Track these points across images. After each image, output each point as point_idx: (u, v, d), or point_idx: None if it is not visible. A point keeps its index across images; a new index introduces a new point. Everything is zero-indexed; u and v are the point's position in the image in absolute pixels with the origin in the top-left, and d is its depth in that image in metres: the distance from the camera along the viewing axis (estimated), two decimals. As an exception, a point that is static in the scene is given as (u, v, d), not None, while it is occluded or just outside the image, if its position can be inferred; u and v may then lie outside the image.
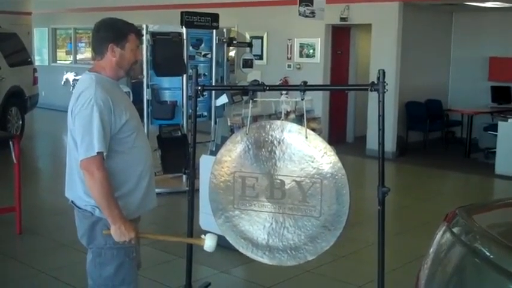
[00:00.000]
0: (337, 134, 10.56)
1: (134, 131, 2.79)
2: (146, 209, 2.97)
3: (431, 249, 2.37)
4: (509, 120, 8.64)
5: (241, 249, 3.34)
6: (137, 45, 2.82)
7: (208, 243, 2.88)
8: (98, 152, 2.60)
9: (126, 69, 2.83)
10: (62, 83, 14.68)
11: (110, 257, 2.80)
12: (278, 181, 3.20)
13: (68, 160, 2.84)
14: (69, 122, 2.74)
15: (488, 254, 2.02)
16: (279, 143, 3.21)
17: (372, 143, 9.33)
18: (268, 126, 3.25)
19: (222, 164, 3.32)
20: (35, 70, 11.09)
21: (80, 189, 2.75)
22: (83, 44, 15.36)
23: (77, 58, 15.19)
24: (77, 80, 14.26)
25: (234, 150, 3.33)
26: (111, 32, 2.75)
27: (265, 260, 3.27)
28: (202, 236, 2.91)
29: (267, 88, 3.35)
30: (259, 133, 3.25)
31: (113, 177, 2.68)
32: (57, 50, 15.82)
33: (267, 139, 3.23)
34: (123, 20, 2.83)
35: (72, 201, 2.86)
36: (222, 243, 4.81)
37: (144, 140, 2.93)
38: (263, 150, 3.23)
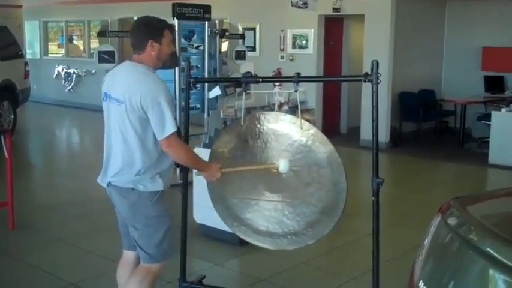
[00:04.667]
0: (330, 125, 10.55)
1: None
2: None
3: (426, 240, 2.38)
4: (503, 109, 8.65)
5: (242, 236, 3.36)
6: (171, 39, 3.16)
7: (282, 166, 3.16)
8: (173, 132, 2.99)
9: (164, 60, 3.18)
10: (54, 76, 14.59)
11: (158, 224, 3.11)
12: (275, 171, 3.21)
13: (113, 145, 3.08)
14: (127, 109, 2.97)
15: (482, 245, 2.01)
16: (274, 133, 3.21)
17: (366, 133, 9.33)
18: (263, 118, 3.25)
19: (217, 155, 3.33)
20: (26, 63, 11.01)
21: (136, 169, 3.02)
22: (75, 37, 15.25)
23: (69, 51, 15.08)
24: (69, 72, 14.24)
25: (229, 142, 3.33)
26: (150, 30, 3.10)
27: (266, 245, 3.34)
28: (276, 162, 3.18)
29: (260, 80, 3.34)
30: (254, 124, 3.25)
31: (160, 157, 3.06)
32: (49, 43, 15.71)
33: (262, 130, 3.24)
34: (157, 18, 3.17)
35: (109, 183, 3.09)
36: (215, 236, 4.83)
37: None
38: (258, 141, 3.24)
